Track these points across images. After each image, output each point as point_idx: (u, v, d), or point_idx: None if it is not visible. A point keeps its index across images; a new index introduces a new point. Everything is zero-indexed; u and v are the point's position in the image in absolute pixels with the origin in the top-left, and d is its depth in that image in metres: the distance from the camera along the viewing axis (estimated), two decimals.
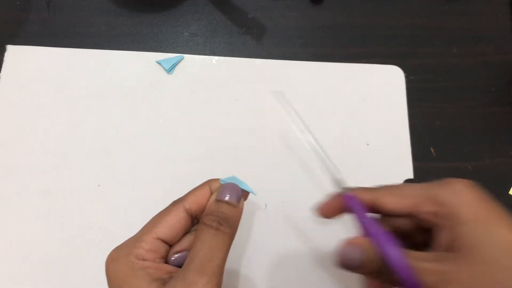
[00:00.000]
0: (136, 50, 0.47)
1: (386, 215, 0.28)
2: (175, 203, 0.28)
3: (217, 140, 0.44)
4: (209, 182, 0.29)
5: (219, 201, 0.27)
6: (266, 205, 0.42)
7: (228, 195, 0.27)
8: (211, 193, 0.28)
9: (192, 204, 0.27)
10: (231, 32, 0.49)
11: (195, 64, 0.47)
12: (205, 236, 0.26)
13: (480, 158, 0.45)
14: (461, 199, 0.25)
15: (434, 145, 0.46)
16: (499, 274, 0.22)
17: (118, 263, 0.25)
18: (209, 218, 0.26)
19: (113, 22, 0.48)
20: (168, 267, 0.26)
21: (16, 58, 0.46)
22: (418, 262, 0.24)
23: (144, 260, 0.25)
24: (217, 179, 0.29)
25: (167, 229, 0.26)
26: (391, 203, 0.26)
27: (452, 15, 0.51)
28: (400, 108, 0.46)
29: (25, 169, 0.42)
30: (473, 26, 0.51)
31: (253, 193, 0.30)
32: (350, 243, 0.26)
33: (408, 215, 0.27)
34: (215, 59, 0.47)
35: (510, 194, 0.44)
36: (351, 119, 0.45)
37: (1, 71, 0.45)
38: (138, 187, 0.42)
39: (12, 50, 0.46)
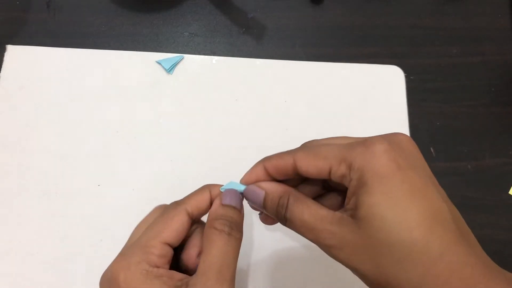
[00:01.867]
0: (136, 50, 0.47)
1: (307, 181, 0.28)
2: (176, 206, 0.27)
3: (217, 140, 0.44)
4: (208, 186, 0.29)
5: (225, 205, 0.27)
6: None
7: (233, 200, 0.27)
8: (211, 198, 0.28)
9: (194, 208, 0.27)
10: (231, 32, 0.49)
11: (195, 64, 0.47)
12: (219, 242, 0.26)
13: (480, 158, 0.45)
14: (374, 166, 0.23)
15: (434, 145, 0.46)
16: (383, 253, 0.22)
17: (130, 271, 0.24)
18: (220, 222, 0.26)
19: (113, 22, 0.48)
20: (178, 275, 0.26)
21: (16, 58, 0.46)
22: (319, 222, 0.24)
23: (157, 267, 0.25)
24: (217, 185, 0.29)
25: (172, 233, 0.26)
26: (306, 165, 0.25)
27: (452, 15, 0.51)
28: (400, 108, 0.46)
29: (25, 169, 0.42)
30: (473, 26, 0.51)
31: None
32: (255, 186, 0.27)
33: (325, 179, 0.26)
34: (215, 59, 0.47)
35: (510, 194, 0.44)
36: (351, 119, 0.45)
37: (1, 71, 0.45)
38: (138, 187, 0.42)
39: (12, 50, 0.46)
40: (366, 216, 0.22)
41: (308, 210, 0.25)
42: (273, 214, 0.27)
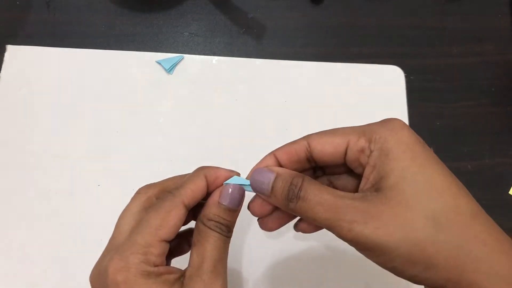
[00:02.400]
0: (136, 50, 0.47)
1: (322, 167, 0.27)
2: (172, 198, 0.26)
3: (217, 140, 0.44)
4: (203, 169, 0.28)
5: (220, 204, 0.26)
6: None
7: (230, 199, 0.26)
8: (208, 183, 0.27)
9: (190, 199, 0.26)
10: (231, 32, 0.49)
11: (195, 64, 0.47)
12: (212, 237, 0.26)
13: (480, 158, 0.45)
14: (396, 136, 0.24)
15: (434, 145, 0.46)
16: (416, 217, 0.21)
17: (130, 273, 0.23)
18: (212, 224, 0.26)
19: (113, 22, 0.48)
20: (174, 269, 0.26)
21: (16, 58, 0.46)
22: (339, 198, 0.23)
23: (157, 266, 0.25)
24: (212, 167, 0.28)
25: (170, 229, 0.25)
26: (322, 143, 0.25)
27: (452, 15, 0.51)
28: (400, 108, 0.46)
29: (25, 169, 0.42)
30: (473, 26, 0.51)
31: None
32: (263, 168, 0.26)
33: (342, 164, 0.26)
34: (215, 59, 0.47)
35: (510, 194, 0.44)
36: (351, 119, 0.45)
37: (1, 71, 0.45)
38: (138, 187, 0.42)
39: (12, 50, 0.46)
40: (397, 183, 0.22)
41: (326, 189, 0.24)
42: (282, 195, 0.24)
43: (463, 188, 0.23)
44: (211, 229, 0.26)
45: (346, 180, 0.28)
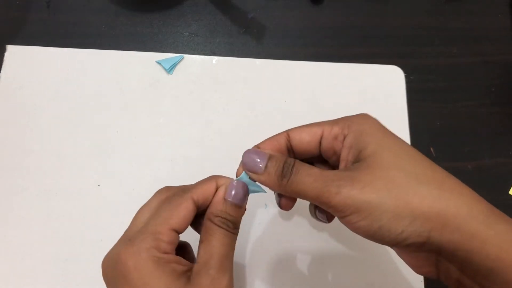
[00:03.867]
0: (136, 50, 0.47)
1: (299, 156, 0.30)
2: (182, 194, 0.27)
3: (217, 140, 0.44)
4: (215, 177, 0.29)
5: (226, 200, 0.28)
6: (266, 205, 0.42)
7: (235, 196, 0.28)
8: (217, 189, 0.29)
9: (200, 196, 0.28)
10: (231, 32, 0.49)
11: (195, 64, 0.47)
12: (219, 234, 0.26)
13: (480, 158, 0.45)
14: (368, 121, 0.27)
15: (434, 145, 0.46)
16: (397, 174, 0.24)
17: (140, 257, 0.24)
18: (218, 220, 0.27)
19: (113, 22, 0.48)
20: (183, 261, 0.26)
21: (16, 58, 0.46)
22: (327, 172, 0.25)
23: (167, 253, 0.25)
24: (223, 177, 0.29)
25: (180, 220, 0.26)
26: (300, 132, 0.28)
27: (452, 15, 0.51)
28: (400, 108, 0.46)
29: (25, 169, 0.42)
30: (473, 26, 0.51)
31: (263, 191, 0.30)
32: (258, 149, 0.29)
33: (317, 155, 0.29)
34: (215, 59, 0.47)
35: (510, 194, 0.44)
36: None
37: (1, 71, 0.45)
38: (138, 187, 0.42)
39: (12, 50, 0.46)
40: (375, 151, 0.25)
41: (313, 167, 0.26)
42: (276, 172, 0.26)
43: (428, 160, 0.26)
44: (217, 225, 0.27)
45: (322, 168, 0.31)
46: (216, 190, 0.28)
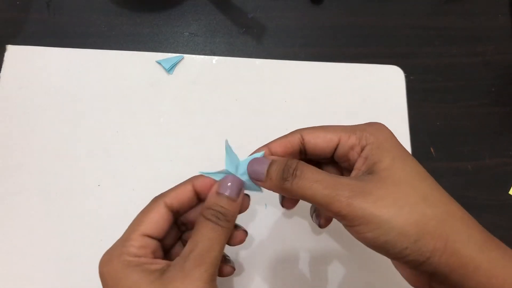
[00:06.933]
0: (136, 50, 0.47)
1: (313, 159, 0.30)
2: (155, 200, 0.28)
3: (217, 140, 0.44)
4: (192, 179, 0.29)
5: (219, 194, 0.27)
6: (266, 205, 0.42)
7: (228, 189, 0.27)
8: (194, 190, 0.29)
9: (173, 199, 0.28)
10: (231, 32, 0.49)
11: (195, 64, 0.47)
12: (204, 228, 0.26)
13: (480, 158, 0.45)
14: (383, 133, 0.27)
15: (434, 145, 0.46)
16: (408, 192, 0.25)
17: (111, 264, 0.26)
18: (208, 212, 0.27)
19: (113, 22, 0.48)
20: (161, 261, 0.26)
21: (16, 58, 0.46)
22: (336, 178, 0.25)
23: (138, 256, 0.26)
24: (201, 176, 0.29)
25: (151, 225, 0.27)
26: (315, 137, 0.28)
27: (452, 15, 0.51)
28: (400, 108, 0.46)
29: (25, 169, 0.42)
30: (473, 26, 0.51)
31: (259, 191, 0.30)
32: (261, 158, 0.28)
33: (329, 157, 0.29)
34: (215, 59, 0.47)
35: (510, 194, 0.44)
36: (351, 119, 0.45)
37: (1, 71, 0.45)
38: (138, 187, 0.42)
39: (12, 50, 0.46)
40: (389, 167, 0.25)
41: (321, 171, 0.26)
42: (277, 176, 0.27)
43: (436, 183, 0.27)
44: (205, 218, 0.27)
45: (330, 170, 0.31)
46: (194, 191, 0.29)
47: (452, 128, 0.46)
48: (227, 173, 0.29)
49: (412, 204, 0.24)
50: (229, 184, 0.28)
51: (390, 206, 0.24)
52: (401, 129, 0.45)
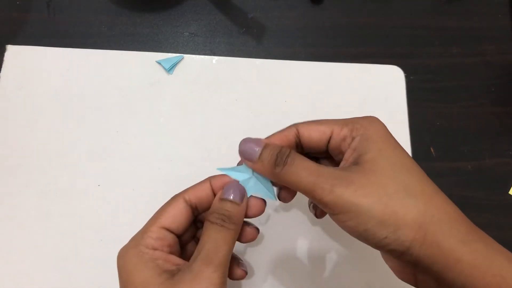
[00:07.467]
0: (136, 50, 0.47)
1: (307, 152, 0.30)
2: (175, 196, 0.29)
3: (217, 140, 0.44)
4: (209, 178, 0.30)
5: (223, 199, 0.28)
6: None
7: (232, 194, 0.28)
8: (212, 188, 0.29)
9: (192, 195, 0.29)
10: (231, 32, 0.49)
11: (195, 64, 0.47)
12: (210, 231, 0.27)
13: (480, 158, 0.45)
14: (375, 126, 0.28)
15: (434, 145, 0.46)
16: (388, 183, 0.25)
17: (127, 255, 0.26)
18: (214, 216, 0.27)
19: (113, 22, 0.48)
20: (176, 259, 0.27)
21: (16, 58, 0.46)
22: (321, 166, 0.26)
23: (154, 249, 0.26)
24: (218, 176, 0.30)
25: (169, 219, 0.27)
26: (309, 130, 0.29)
27: (452, 15, 0.51)
28: (400, 108, 0.46)
29: (25, 169, 0.42)
30: (473, 26, 0.51)
31: (272, 198, 0.30)
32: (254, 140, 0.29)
33: (323, 151, 0.30)
34: (215, 59, 0.47)
35: (510, 194, 0.44)
36: None
37: (1, 71, 0.45)
38: (138, 187, 0.42)
39: (12, 50, 0.46)
40: (373, 158, 0.26)
41: (309, 160, 0.27)
42: (270, 161, 0.27)
43: (426, 177, 0.27)
44: (211, 221, 0.27)
45: (326, 165, 0.30)
46: (212, 190, 0.29)
47: (452, 128, 0.46)
48: (243, 170, 0.29)
49: (392, 194, 0.24)
50: (232, 190, 0.28)
51: (370, 196, 0.24)
52: (401, 129, 0.45)
